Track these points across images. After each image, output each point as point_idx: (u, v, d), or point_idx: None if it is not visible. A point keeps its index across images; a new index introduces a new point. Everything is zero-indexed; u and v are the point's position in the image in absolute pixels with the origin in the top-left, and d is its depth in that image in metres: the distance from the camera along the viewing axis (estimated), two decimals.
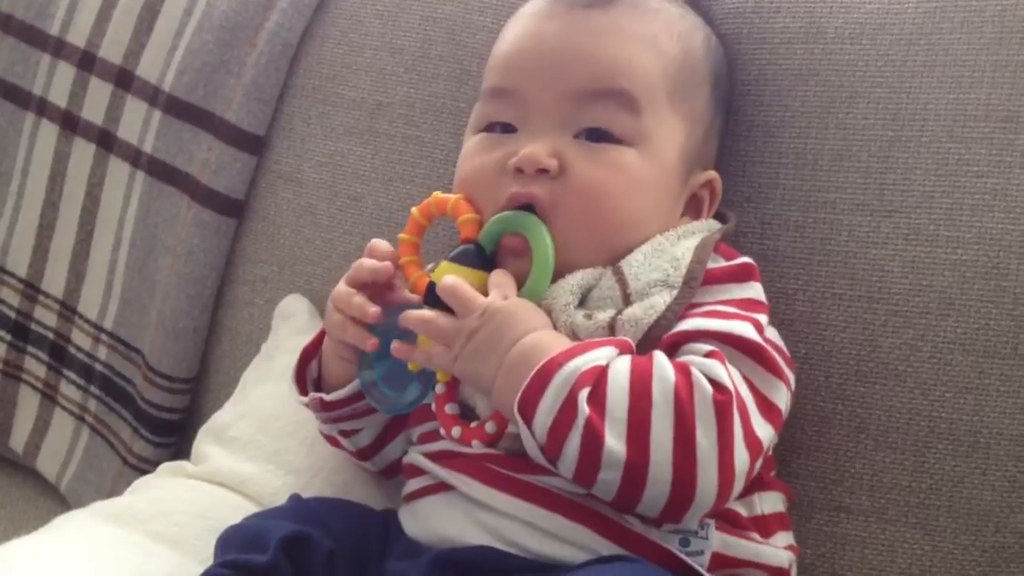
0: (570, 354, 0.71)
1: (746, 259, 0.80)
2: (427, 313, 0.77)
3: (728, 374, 0.71)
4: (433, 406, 0.80)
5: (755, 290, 0.79)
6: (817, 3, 0.89)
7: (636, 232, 0.80)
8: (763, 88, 0.91)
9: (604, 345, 0.73)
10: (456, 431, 0.78)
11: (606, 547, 0.72)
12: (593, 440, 0.69)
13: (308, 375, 0.89)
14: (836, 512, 0.87)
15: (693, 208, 0.85)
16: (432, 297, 0.78)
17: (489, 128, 0.83)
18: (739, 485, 0.71)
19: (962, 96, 0.84)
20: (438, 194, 0.84)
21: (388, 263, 0.82)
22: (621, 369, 0.71)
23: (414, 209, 0.85)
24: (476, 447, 0.76)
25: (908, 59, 0.86)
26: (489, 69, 0.85)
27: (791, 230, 0.88)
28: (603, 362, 0.71)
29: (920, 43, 0.86)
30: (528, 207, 0.79)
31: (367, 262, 0.83)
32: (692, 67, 0.83)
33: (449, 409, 0.79)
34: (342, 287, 0.84)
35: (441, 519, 0.78)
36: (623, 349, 0.73)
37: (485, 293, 0.76)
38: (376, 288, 0.83)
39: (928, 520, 0.84)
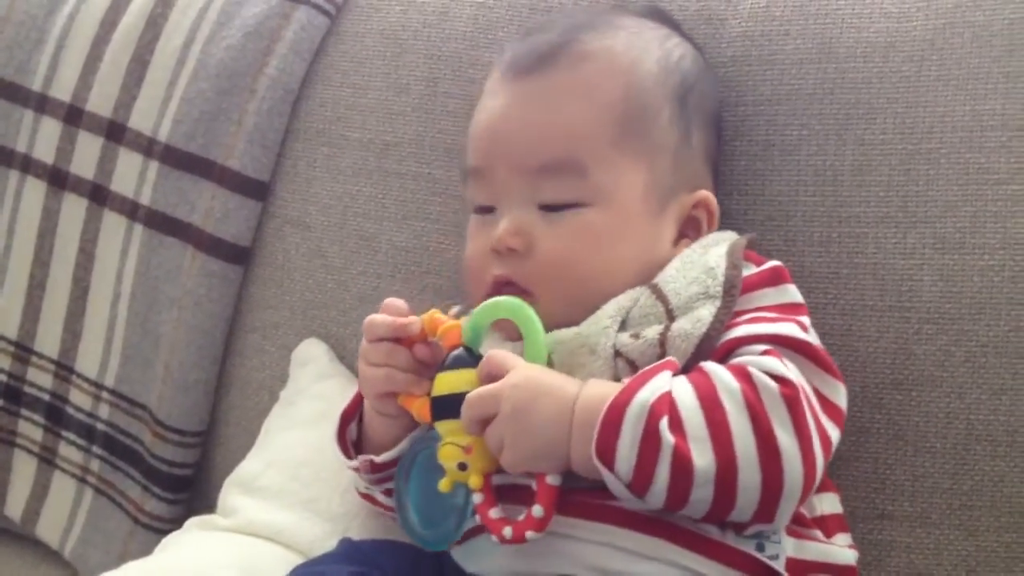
0: (631, 391, 0.72)
1: (775, 262, 0.82)
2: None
3: (787, 367, 0.72)
4: (477, 518, 0.77)
5: (790, 293, 0.80)
6: (826, 25, 0.92)
7: (612, 280, 0.81)
8: (777, 108, 0.92)
9: (657, 372, 0.73)
10: (507, 532, 0.74)
11: (689, 558, 0.73)
12: (683, 465, 0.70)
13: (348, 437, 0.88)
14: (879, 520, 0.88)
15: (692, 230, 0.86)
16: (439, 412, 0.78)
17: (477, 210, 0.87)
18: (819, 475, 0.72)
19: (977, 107, 0.86)
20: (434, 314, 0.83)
21: (410, 319, 0.82)
22: (684, 390, 0.72)
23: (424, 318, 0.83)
24: (531, 537, 0.74)
25: (921, 74, 0.88)
26: (467, 144, 0.88)
27: (816, 246, 0.90)
28: (666, 388, 0.72)
29: (932, 58, 0.88)
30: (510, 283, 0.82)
31: (380, 318, 0.82)
32: (640, 101, 0.84)
33: (494, 514, 0.76)
34: (365, 345, 0.83)
35: (510, 553, 0.77)
36: (672, 371, 0.74)
37: None
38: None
39: (971, 521, 0.86)
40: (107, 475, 1.18)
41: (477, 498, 0.76)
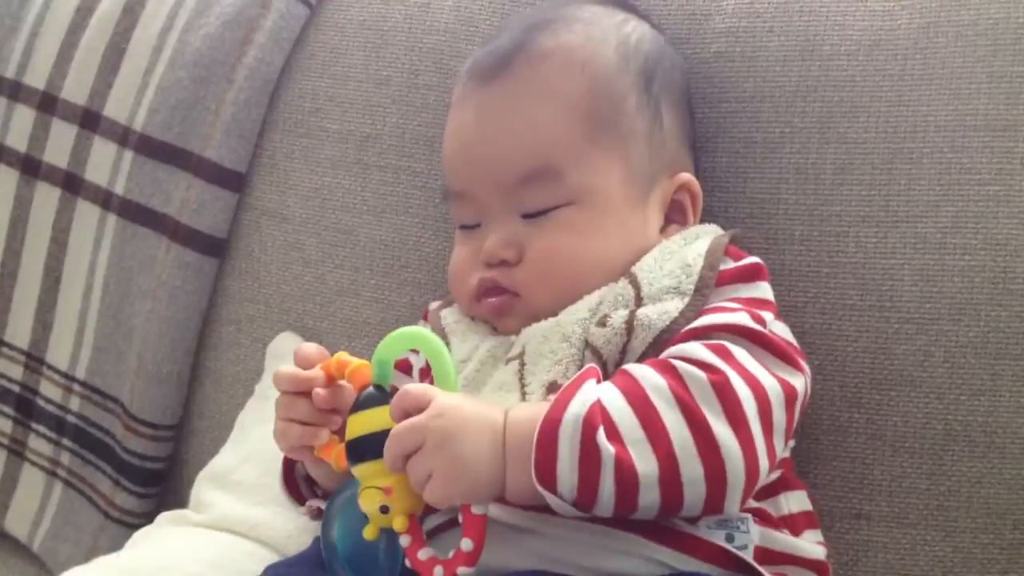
0: (560, 406, 0.70)
1: (754, 259, 0.81)
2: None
3: (717, 352, 0.72)
4: (408, 562, 0.73)
5: (762, 289, 0.80)
6: (811, 22, 0.91)
7: (600, 273, 0.81)
8: (760, 105, 0.92)
9: (582, 383, 0.72)
10: (438, 571, 0.71)
11: (662, 553, 0.72)
12: (627, 474, 0.68)
13: (297, 475, 0.85)
14: (856, 519, 0.88)
15: (678, 213, 0.86)
16: (355, 456, 0.72)
17: (462, 226, 0.87)
18: (764, 461, 0.71)
19: (960, 107, 0.86)
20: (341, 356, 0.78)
21: (310, 373, 0.77)
22: (612, 395, 0.71)
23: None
24: (464, 573, 0.70)
25: (905, 73, 0.88)
26: (443, 165, 0.88)
27: (796, 244, 0.90)
28: (594, 397, 0.71)
29: (916, 57, 0.88)
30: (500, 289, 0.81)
31: (283, 371, 0.78)
32: (604, 91, 0.84)
33: (423, 555, 0.72)
34: (278, 398, 0.79)
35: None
36: (595, 378, 0.73)
37: None
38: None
39: (948, 522, 0.86)
40: (77, 468, 1.16)
41: (404, 541, 0.72)
